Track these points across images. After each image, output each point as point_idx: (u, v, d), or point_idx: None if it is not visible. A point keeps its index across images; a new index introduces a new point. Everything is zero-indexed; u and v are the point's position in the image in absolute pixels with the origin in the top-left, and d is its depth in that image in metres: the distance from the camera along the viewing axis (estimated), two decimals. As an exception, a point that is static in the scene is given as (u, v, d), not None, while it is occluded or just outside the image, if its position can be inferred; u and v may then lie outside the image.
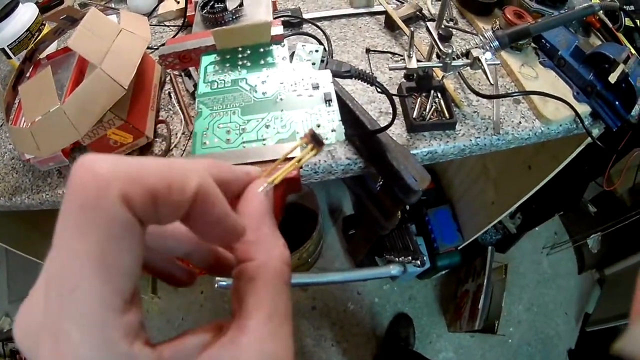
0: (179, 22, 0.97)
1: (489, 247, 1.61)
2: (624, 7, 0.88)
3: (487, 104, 0.79)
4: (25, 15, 0.90)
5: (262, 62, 0.51)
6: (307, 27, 0.90)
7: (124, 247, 0.17)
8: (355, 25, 0.92)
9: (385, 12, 0.89)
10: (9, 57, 0.90)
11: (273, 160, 0.40)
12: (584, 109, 0.78)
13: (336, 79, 0.69)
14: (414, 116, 0.73)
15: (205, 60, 0.53)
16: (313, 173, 0.73)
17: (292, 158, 0.29)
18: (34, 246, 1.25)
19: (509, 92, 0.80)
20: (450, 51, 0.65)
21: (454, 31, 0.88)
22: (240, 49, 0.53)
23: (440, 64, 0.68)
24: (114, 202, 0.16)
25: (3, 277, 2.05)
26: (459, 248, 1.62)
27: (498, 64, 0.70)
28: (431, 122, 0.73)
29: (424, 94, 0.76)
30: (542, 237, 1.97)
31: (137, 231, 0.17)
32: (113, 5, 1.04)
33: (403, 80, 0.78)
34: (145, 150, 0.76)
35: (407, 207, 1.61)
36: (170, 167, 0.18)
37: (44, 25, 0.93)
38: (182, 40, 0.58)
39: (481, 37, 0.69)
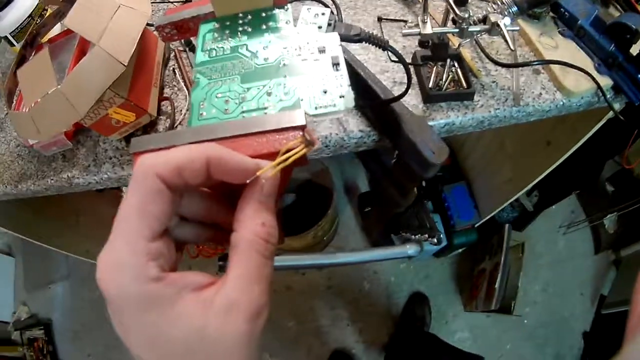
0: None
1: (506, 225, 1.58)
2: None
3: (506, 74, 0.75)
4: (26, 1, 0.87)
5: (264, 27, 0.48)
6: None
7: (156, 201, 0.27)
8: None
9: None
10: (12, 45, 0.88)
11: (275, 130, 0.37)
12: (605, 81, 0.74)
13: (346, 46, 0.66)
14: (430, 86, 0.70)
15: (204, 28, 0.50)
16: (324, 147, 0.70)
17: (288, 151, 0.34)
18: (47, 234, 1.27)
19: (529, 61, 0.75)
20: (467, 15, 0.61)
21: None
22: (240, 14, 0.50)
23: (457, 30, 0.64)
24: (151, 177, 0.27)
25: (20, 267, 2.08)
26: (475, 225, 1.58)
27: (517, 29, 0.65)
28: (448, 92, 0.70)
29: (439, 63, 0.72)
30: (559, 216, 1.93)
31: (166, 194, 0.28)
32: None
33: (417, 48, 0.74)
34: (149, 128, 0.73)
35: (423, 183, 1.58)
36: (190, 148, 0.29)
37: (47, 10, 0.90)
38: (180, 10, 0.54)
39: (499, 2, 0.66)
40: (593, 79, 0.72)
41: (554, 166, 1.12)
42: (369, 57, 0.77)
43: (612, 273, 1.85)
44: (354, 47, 0.75)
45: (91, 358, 1.89)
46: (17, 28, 0.86)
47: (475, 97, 0.71)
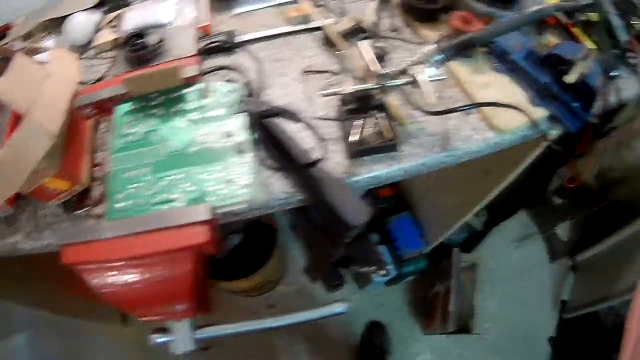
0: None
1: (454, 249, 1.58)
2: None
3: (434, 119, 0.74)
4: None
5: (175, 109, 0.49)
6: (240, 51, 0.83)
7: None
8: (292, 44, 0.86)
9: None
10: None
11: (180, 226, 0.37)
12: (541, 113, 0.75)
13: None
14: (353, 141, 0.68)
15: (120, 110, 0.51)
16: (249, 210, 0.67)
17: None
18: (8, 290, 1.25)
19: (458, 105, 0.74)
20: (386, 71, 0.60)
21: (398, 42, 0.84)
22: (154, 94, 0.50)
23: (377, 86, 0.63)
24: None
25: None
26: (424, 253, 1.59)
27: (444, 78, 0.65)
28: (371, 145, 0.69)
29: (364, 115, 0.71)
30: (510, 231, 1.96)
31: None
32: (53, 37, 0.97)
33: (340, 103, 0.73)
34: (83, 195, 0.70)
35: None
36: None
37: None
38: (99, 88, 0.55)
39: (422, 52, 0.65)
40: (527, 115, 0.73)
41: (494, 193, 1.12)
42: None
43: (570, 278, 1.88)
44: (277, 104, 0.74)
45: None
46: None
47: (402, 147, 0.70)
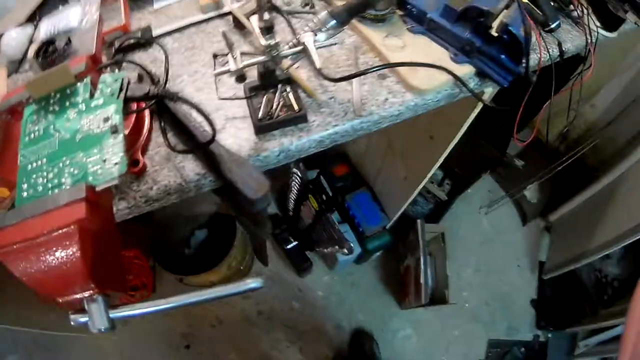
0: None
1: (418, 220, 1.59)
2: None
3: (347, 86, 0.74)
4: None
5: (68, 103, 0.51)
6: (155, 45, 0.84)
7: None
8: (204, 31, 0.86)
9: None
10: None
11: (56, 208, 0.42)
12: (466, 69, 0.74)
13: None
14: (260, 116, 0.69)
15: (27, 112, 0.53)
16: (166, 195, 0.67)
17: None
18: None
19: (361, 70, 0.72)
20: (273, 42, 0.60)
21: (305, 15, 0.84)
22: (52, 94, 0.53)
23: (268, 59, 0.63)
24: None
25: None
26: (387, 227, 1.60)
27: (334, 44, 0.67)
28: (278, 119, 0.68)
29: (271, 90, 0.71)
30: (477, 198, 1.98)
31: None
32: None
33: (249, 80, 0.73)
34: None
35: (324, 196, 1.58)
36: None
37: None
38: (10, 95, 0.57)
39: (315, 19, 0.64)
40: (447, 70, 0.72)
41: (442, 158, 1.13)
42: (202, 99, 0.75)
43: (545, 239, 1.91)
44: (189, 90, 0.76)
45: None
46: None
47: (311, 117, 0.70)
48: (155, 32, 0.84)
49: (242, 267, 1.69)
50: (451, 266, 1.65)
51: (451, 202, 1.77)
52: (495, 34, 0.69)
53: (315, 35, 0.63)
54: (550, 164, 1.69)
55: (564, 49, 0.82)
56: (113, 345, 1.83)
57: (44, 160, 0.48)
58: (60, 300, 0.43)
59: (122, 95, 0.51)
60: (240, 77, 0.65)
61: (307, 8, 0.86)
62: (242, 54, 0.65)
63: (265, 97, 0.71)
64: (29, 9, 0.90)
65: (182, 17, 0.87)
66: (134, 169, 0.66)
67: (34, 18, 0.88)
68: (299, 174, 1.62)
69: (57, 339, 1.78)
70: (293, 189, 1.70)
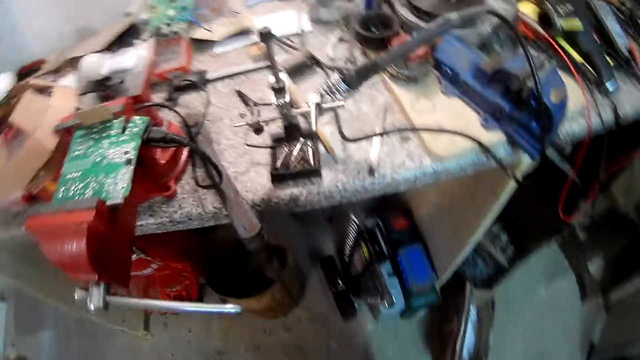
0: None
1: (467, 284, 1.55)
2: (556, 7, 0.79)
3: (367, 146, 0.77)
4: (3, 83, 1.06)
5: (105, 134, 0.63)
6: (209, 87, 0.95)
7: None
8: (251, 79, 0.95)
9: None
10: None
11: (74, 210, 0.53)
12: (497, 136, 0.72)
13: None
14: (275, 166, 0.75)
15: (76, 134, 0.65)
16: (187, 220, 0.77)
17: None
18: (39, 285, 1.38)
19: (381, 131, 0.77)
20: (282, 102, 0.66)
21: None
22: (97, 124, 0.65)
23: (280, 116, 0.70)
24: None
25: (11, 312, 2.19)
26: (435, 286, 1.57)
27: (341, 105, 0.67)
28: (293, 171, 0.74)
29: (293, 143, 0.77)
30: (540, 267, 1.87)
31: None
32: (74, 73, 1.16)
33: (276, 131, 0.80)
34: None
35: (376, 247, 1.59)
36: None
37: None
38: (69, 118, 0.70)
39: (328, 83, 0.67)
40: (471, 138, 0.70)
41: (485, 223, 1.11)
42: (231, 144, 0.84)
43: (601, 319, 1.76)
44: (226, 133, 0.85)
45: None
46: None
47: (325, 173, 0.75)
48: (210, 76, 0.95)
49: (286, 301, 1.74)
50: (497, 336, 1.59)
51: (511, 268, 1.70)
52: (523, 98, 0.66)
53: (322, 97, 0.67)
54: (621, 237, 1.57)
55: (620, 113, 0.75)
56: (151, 346, 1.94)
57: (79, 174, 0.60)
58: (72, 278, 0.53)
59: (145, 135, 0.61)
60: (258, 130, 0.71)
61: (349, 64, 0.92)
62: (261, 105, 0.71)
63: (286, 148, 0.77)
64: (111, 37, 1.04)
65: (237, 64, 0.97)
66: (165, 193, 0.78)
67: (111, 47, 1.02)
68: (356, 220, 1.65)
69: (99, 329, 1.92)
70: (350, 235, 1.73)
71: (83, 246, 0.49)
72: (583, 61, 0.77)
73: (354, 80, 0.65)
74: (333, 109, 0.71)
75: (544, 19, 0.81)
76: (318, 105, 0.67)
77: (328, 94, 0.67)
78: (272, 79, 0.64)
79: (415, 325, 1.79)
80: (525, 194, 1.34)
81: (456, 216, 1.28)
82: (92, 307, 0.53)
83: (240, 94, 0.70)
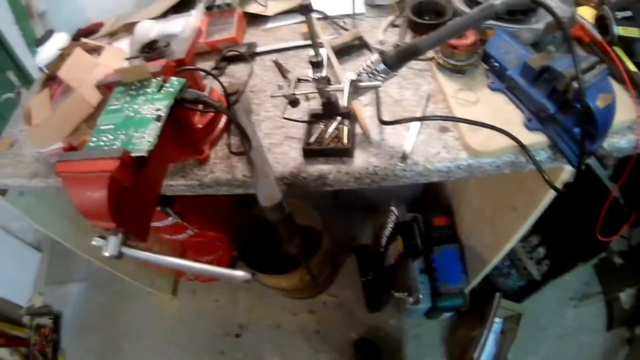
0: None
1: (496, 294, 1.51)
2: (615, 13, 0.74)
3: (404, 131, 0.75)
4: (58, 42, 1.09)
5: (142, 92, 0.66)
6: (257, 59, 0.98)
7: None
8: (299, 56, 0.96)
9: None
10: (46, 74, 1.09)
11: (102, 158, 0.56)
12: (539, 138, 0.68)
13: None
14: (309, 141, 0.75)
15: (115, 90, 0.69)
16: (216, 185, 0.79)
17: None
18: (74, 238, 1.43)
19: (410, 117, 0.74)
20: (318, 76, 0.66)
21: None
22: (135, 82, 0.67)
23: (316, 90, 0.70)
24: None
25: (44, 263, 2.31)
26: (464, 290, 1.54)
27: (377, 86, 0.65)
28: (323, 147, 0.74)
29: (330, 120, 0.78)
30: (572, 287, 1.80)
31: None
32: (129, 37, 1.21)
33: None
34: None
35: (412, 242, 1.57)
36: None
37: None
38: (111, 76, 0.73)
39: (367, 62, 0.65)
40: (510, 136, 0.67)
41: (520, 232, 1.08)
42: (268, 116, 0.85)
43: (623, 352, 1.68)
44: (266, 105, 0.87)
45: (90, 354, 2.03)
46: (49, 62, 1.07)
47: (357, 154, 0.74)
48: (260, 49, 0.96)
49: (313, 284, 1.75)
50: (517, 351, 1.53)
51: (543, 284, 1.64)
52: (564, 99, 0.62)
53: (359, 75, 0.65)
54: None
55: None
56: (176, 311, 2.01)
57: (112, 126, 0.62)
58: (92, 224, 0.56)
59: (179, 95, 0.63)
60: (293, 102, 0.71)
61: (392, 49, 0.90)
62: (300, 80, 0.71)
63: (322, 125, 0.77)
64: (166, 6, 1.08)
65: (286, 40, 0.98)
66: (199, 157, 0.80)
67: (165, 15, 1.05)
68: (395, 212, 1.63)
69: (127, 287, 1.99)
70: (388, 226, 1.71)
71: (104, 193, 0.51)
72: (638, 71, 0.72)
73: (393, 61, 0.63)
74: (375, 90, 0.69)
75: (601, 24, 0.77)
76: (352, 82, 0.65)
77: (367, 73, 0.65)
78: (311, 52, 0.64)
79: (438, 326, 1.77)
80: (569, 208, 1.29)
81: (495, 219, 1.25)
82: (106, 254, 0.54)
83: (278, 65, 0.71)
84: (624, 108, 0.67)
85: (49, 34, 1.09)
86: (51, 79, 0.95)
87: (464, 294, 1.54)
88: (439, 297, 1.53)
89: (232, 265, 1.85)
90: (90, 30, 1.30)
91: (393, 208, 1.63)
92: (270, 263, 1.58)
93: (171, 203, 1.32)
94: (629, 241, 1.61)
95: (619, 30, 0.74)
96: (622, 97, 0.68)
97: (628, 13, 0.73)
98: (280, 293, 1.85)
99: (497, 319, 1.53)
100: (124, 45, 1.15)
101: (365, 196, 2.05)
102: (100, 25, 1.29)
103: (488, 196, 1.30)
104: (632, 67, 0.72)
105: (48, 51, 1.07)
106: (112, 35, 1.23)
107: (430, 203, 1.82)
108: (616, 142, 0.69)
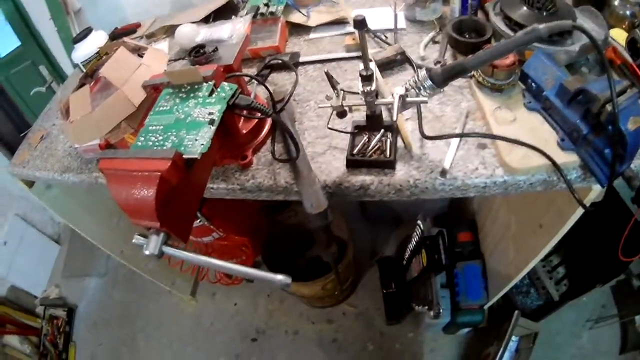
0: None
1: (515, 312, 1.51)
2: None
3: (444, 147, 0.77)
4: (97, 40, 1.13)
5: (192, 95, 0.67)
6: (299, 68, 1.00)
7: None
8: (342, 67, 0.99)
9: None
10: (83, 72, 1.10)
11: (153, 158, 0.57)
12: (571, 158, 0.70)
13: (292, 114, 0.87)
14: (353, 152, 0.77)
15: (164, 92, 0.71)
16: (258, 190, 0.81)
17: None
18: (99, 234, 1.47)
19: (450, 134, 0.77)
20: (367, 90, 0.68)
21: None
22: (185, 85, 0.70)
23: (364, 103, 0.72)
24: None
25: (63, 255, 2.35)
26: (484, 307, 1.54)
27: (424, 101, 0.68)
28: (369, 159, 0.76)
29: (374, 133, 0.80)
30: (589, 309, 1.79)
31: None
32: (168, 39, 1.25)
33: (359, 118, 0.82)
34: None
35: (435, 256, 1.58)
36: None
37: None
38: (159, 77, 0.76)
39: (415, 78, 0.68)
40: (545, 154, 0.69)
41: (544, 251, 1.08)
42: (314, 125, 0.88)
43: None
44: (310, 114, 0.89)
45: (102, 347, 2.06)
46: (86, 60, 1.11)
47: (399, 167, 0.76)
48: (302, 59, 0.98)
49: (336, 293, 1.76)
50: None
51: (561, 304, 1.64)
52: (596, 121, 0.64)
53: (407, 91, 0.68)
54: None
55: None
56: (194, 311, 2.03)
57: (161, 127, 0.64)
58: (133, 222, 0.57)
59: (232, 101, 0.65)
60: (341, 114, 0.74)
61: (438, 66, 0.92)
62: (347, 92, 0.74)
63: (366, 137, 0.79)
64: (207, 11, 1.11)
65: (329, 51, 1.01)
66: (242, 162, 0.82)
67: (208, 19, 1.08)
68: (421, 226, 1.64)
69: (147, 286, 2.03)
70: (413, 239, 1.72)
71: (153, 193, 0.52)
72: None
73: (439, 78, 0.66)
74: (416, 105, 0.71)
75: (633, 47, 0.79)
76: (402, 97, 0.67)
77: (413, 88, 0.68)
78: (361, 66, 0.67)
79: (454, 342, 1.76)
80: (591, 229, 1.29)
81: (520, 237, 1.26)
82: (147, 253, 0.55)
83: (329, 76, 0.72)
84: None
85: (87, 31, 1.12)
86: (88, 76, 0.97)
87: (484, 311, 1.55)
88: (458, 312, 1.54)
89: (254, 267, 1.87)
90: (127, 30, 1.33)
91: (420, 222, 1.65)
92: (292, 270, 1.58)
93: (201, 205, 1.34)
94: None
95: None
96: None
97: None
98: (300, 300, 1.87)
99: (513, 337, 1.53)
100: (162, 47, 1.19)
101: (392, 208, 2.07)
102: (137, 25, 1.32)
103: (515, 213, 1.31)
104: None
105: (86, 48, 1.10)
106: (150, 36, 1.26)
107: (455, 218, 1.83)
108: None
